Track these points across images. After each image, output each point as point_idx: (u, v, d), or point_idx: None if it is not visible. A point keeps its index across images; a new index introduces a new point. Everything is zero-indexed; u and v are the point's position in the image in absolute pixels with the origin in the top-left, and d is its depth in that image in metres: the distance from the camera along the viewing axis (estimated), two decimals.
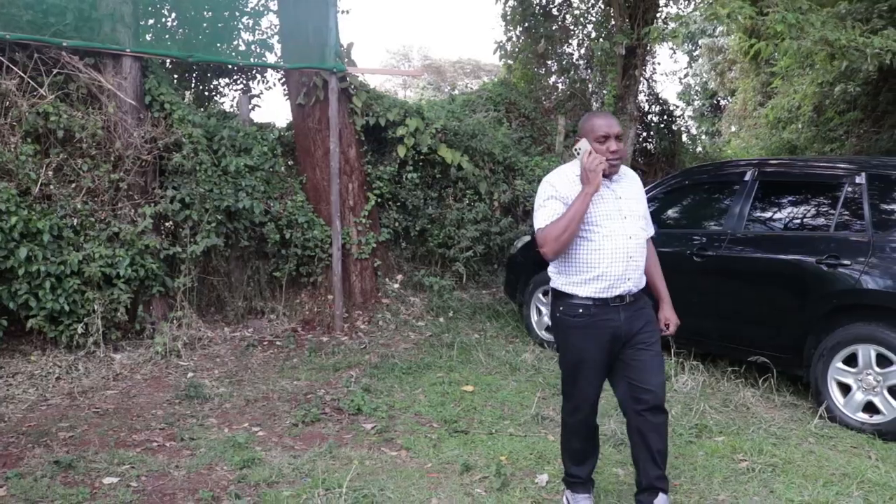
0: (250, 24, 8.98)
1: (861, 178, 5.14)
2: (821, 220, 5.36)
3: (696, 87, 22.85)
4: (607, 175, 3.25)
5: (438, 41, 65.53)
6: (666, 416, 3.34)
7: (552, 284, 3.41)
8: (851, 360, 4.89)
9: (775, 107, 14.91)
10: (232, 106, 8.92)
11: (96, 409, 5.04)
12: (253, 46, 8.96)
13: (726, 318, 5.64)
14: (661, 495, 3.34)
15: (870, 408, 4.81)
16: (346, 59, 7.49)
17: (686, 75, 21.63)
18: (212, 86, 9.11)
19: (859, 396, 4.85)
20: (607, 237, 3.21)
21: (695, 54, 21.83)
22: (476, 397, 5.40)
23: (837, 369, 4.94)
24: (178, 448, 4.39)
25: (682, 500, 3.79)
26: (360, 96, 7.62)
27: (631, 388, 3.29)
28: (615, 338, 3.26)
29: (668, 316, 3.58)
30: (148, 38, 7.94)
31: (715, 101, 22.55)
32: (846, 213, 5.17)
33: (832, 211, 5.25)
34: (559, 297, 3.36)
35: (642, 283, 3.37)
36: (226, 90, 9.21)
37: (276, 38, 8.83)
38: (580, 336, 3.28)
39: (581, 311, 3.26)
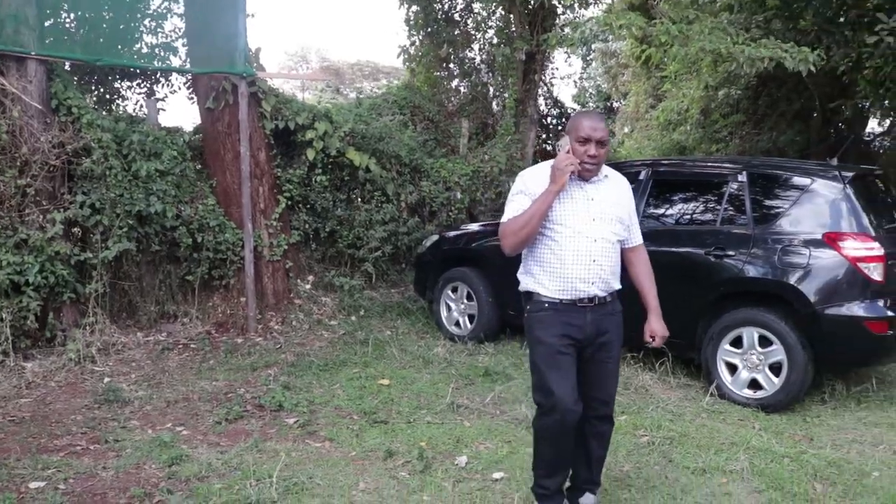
0: (153, 27, 8.88)
1: (743, 177, 5.63)
2: (709, 216, 5.83)
3: (591, 90, 23.55)
4: (583, 177, 3.21)
5: (336, 43, 65.37)
6: (611, 426, 3.43)
7: (521, 288, 3.37)
8: (737, 342, 5.38)
9: (665, 109, 15.58)
10: (136, 109, 8.82)
11: (12, 418, 4.97)
12: (157, 49, 8.87)
13: (625, 308, 6.01)
14: (587, 494, 3.53)
15: (754, 384, 5.31)
16: (256, 64, 7.56)
17: (581, 79, 22.27)
18: (113, 88, 8.97)
19: (745, 374, 5.33)
20: (570, 238, 3.16)
21: (589, 58, 22.52)
22: (393, 390, 5.60)
23: (725, 350, 5.41)
24: (104, 450, 4.42)
25: None
26: (270, 100, 7.68)
27: (583, 395, 3.26)
28: (582, 337, 3.22)
29: (655, 328, 3.49)
30: (47, 41, 7.76)
31: (609, 104, 23.33)
32: (730, 208, 5.65)
33: (718, 207, 5.73)
34: (527, 298, 3.33)
35: (612, 288, 3.32)
36: (128, 93, 9.09)
37: (181, 41, 8.77)
38: (546, 328, 3.22)
39: (547, 305, 3.22)
